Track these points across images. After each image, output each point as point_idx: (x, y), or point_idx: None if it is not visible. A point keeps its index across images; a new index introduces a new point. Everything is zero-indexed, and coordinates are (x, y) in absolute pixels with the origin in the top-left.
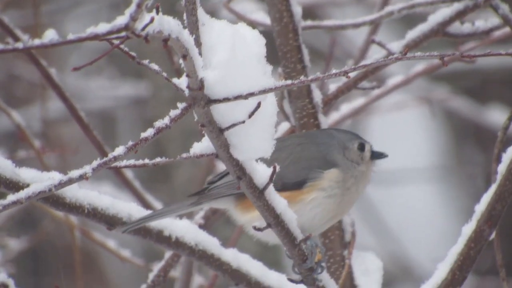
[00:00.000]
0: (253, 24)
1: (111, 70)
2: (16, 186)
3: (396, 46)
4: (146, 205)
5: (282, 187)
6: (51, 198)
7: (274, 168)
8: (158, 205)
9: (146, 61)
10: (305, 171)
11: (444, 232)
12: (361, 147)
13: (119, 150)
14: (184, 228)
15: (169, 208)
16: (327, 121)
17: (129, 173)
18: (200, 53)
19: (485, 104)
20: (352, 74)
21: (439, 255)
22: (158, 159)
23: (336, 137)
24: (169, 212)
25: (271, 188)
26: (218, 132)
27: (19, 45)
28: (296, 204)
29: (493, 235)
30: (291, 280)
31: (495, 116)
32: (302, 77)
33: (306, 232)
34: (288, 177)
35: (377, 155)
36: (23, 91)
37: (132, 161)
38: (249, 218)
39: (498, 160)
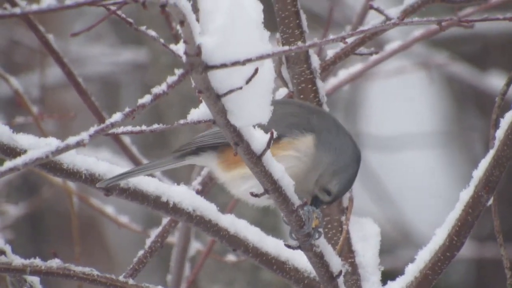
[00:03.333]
0: None
1: (112, 37)
2: (13, 152)
3: (394, 11)
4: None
5: None
6: (49, 164)
7: (272, 134)
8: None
9: (143, 27)
10: (287, 128)
11: (444, 197)
12: (328, 193)
13: (116, 116)
14: (182, 194)
15: (153, 163)
16: (324, 86)
17: (126, 140)
18: (197, 19)
19: (485, 69)
20: (349, 40)
21: (439, 221)
22: (155, 126)
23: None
24: (153, 167)
25: (268, 154)
26: (216, 98)
27: (17, 10)
28: None
29: (491, 201)
30: (289, 246)
31: (496, 81)
32: (300, 43)
33: None
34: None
35: (317, 204)
36: (23, 57)
37: (129, 128)
38: (231, 176)
39: (496, 125)
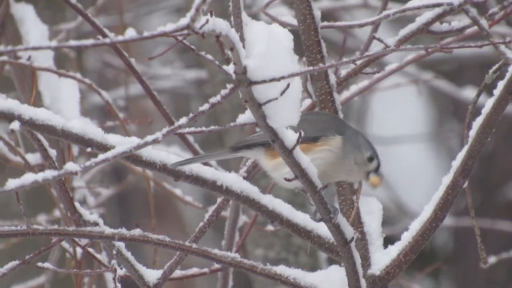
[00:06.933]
0: (283, 25)
1: (181, 62)
2: (105, 147)
3: (391, 41)
4: (203, 162)
5: (301, 140)
6: (131, 156)
7: (300, 133)
8: (212, 162)
9: (203, 53)
10: (322, 131)
11: (431, 182)
12: (370, 159)
13: (183, 120)
14: (232, 179)
15: (212, 153)
16: (339, 98)
17: (190, 138)
18: (243, 47)
19: (461, 85)
20: (358, 62)
21: (426, 200)
22: (212, 127)
23: (359, 136)
24: (212, 156)
25: (297, 148)
26: (258, 106)
27: (107, 40)
28: (307, 153)
29: (465, 184)
30: (313, 219)
31: (469, 94)
32: (320, 64)
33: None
34: (307, 132)
35: (375, 171)
36: (112, 76)
37: (192, 128)
38: (275, 163)
39: (469, 127)
